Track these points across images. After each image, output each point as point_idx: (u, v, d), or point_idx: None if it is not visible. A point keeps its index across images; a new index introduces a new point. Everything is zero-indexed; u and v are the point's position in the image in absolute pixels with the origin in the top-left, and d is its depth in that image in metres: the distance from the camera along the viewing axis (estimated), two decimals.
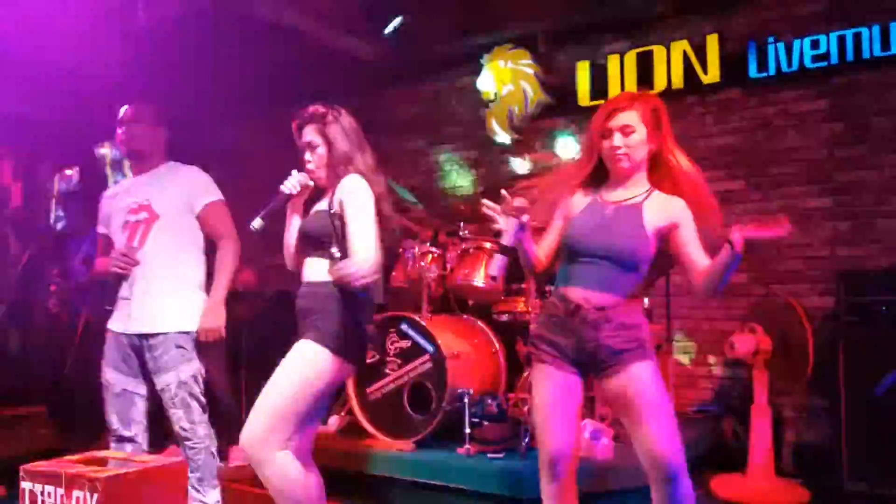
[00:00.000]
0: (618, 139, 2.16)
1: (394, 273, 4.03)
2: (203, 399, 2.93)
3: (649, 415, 2.09)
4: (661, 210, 2.17)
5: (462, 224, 4.12)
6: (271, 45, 5.14)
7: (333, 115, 2.47)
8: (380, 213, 2.39)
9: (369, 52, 5.63)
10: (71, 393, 4.69)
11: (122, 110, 3.05)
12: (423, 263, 3.89)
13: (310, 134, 2.47)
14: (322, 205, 2.48)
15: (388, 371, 3.67)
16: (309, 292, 2.41)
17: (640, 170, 2.22)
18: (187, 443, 2.89)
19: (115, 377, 2.90)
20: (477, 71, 5.38)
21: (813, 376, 3.82)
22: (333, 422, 3.87)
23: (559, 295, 2.23)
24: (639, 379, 2.12)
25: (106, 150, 6.53)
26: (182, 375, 2.85)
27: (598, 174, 2.27)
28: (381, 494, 3.51)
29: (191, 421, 2.87)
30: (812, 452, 4.08)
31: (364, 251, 2.28)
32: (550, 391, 2.20)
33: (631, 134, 2.15)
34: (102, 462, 2.28)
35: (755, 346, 3.79)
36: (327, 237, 2.37)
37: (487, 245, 3.87)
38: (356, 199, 2.34)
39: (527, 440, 3.31)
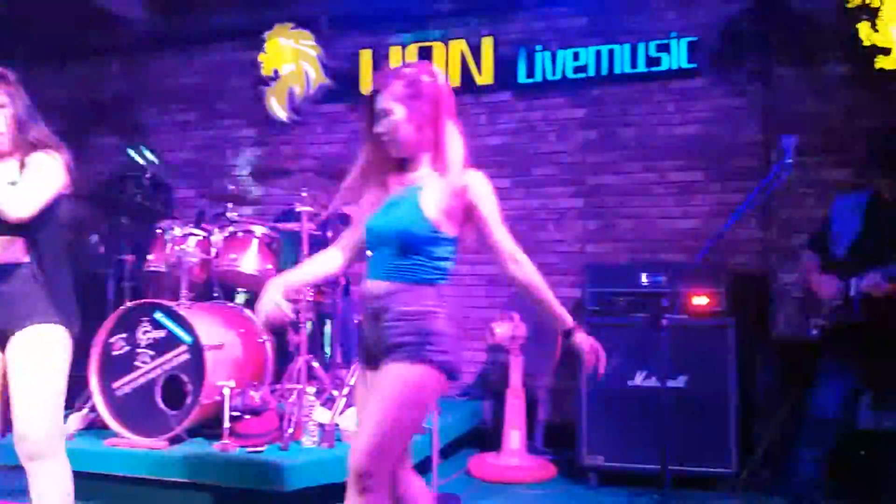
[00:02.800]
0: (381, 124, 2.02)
1: (151, 256, 3.73)
2: None
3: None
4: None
5: (231, 205, 3.91)
6: None
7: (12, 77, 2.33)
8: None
9: (139, 12, 5.16)
10: None
11: None
12: (183, 246, 3.63)
13: None
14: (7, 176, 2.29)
15: (138, 364, 3.40)
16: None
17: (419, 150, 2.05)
18: None
19: None
20: (257, 46, 5.19)
21: (561, 360, 4.19)
22: (74, 421, 3.50)
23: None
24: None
25: None
26: None
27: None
28: (130, 496, 3.27)
29: None
30: (560, 431, 4.46)
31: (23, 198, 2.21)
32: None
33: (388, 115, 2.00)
34: None
35: (512, 333, 4.06)
36: None
37: (257, 229, 3.72)
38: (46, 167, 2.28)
39: (290, 432, 3.25)
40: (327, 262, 2.19)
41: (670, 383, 3.56)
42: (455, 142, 2.02)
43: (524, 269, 2.00)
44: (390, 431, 1.90)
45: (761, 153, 4.16)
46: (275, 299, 2.04)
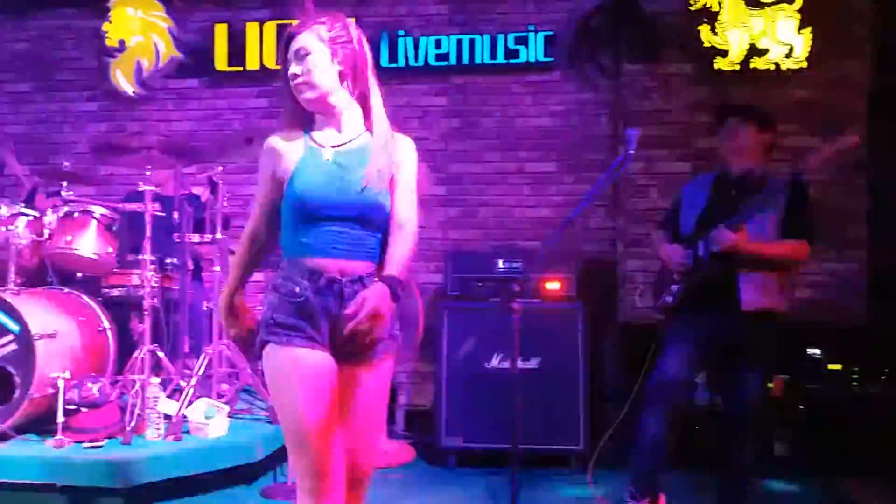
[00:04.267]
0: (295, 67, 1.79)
1: None
2: None
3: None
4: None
5: (66, 184, 3.62)
6: None
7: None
8: None
9: None
10: None
11: None
12: (12, 227, 3.33)
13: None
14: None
15: None
16: None
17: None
18: None
19: None
20: (101, 14, 4.87)
21: (423, 345, 4.21)
22: None
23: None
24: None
25: None
26: None
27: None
28: None
29: None
30: (421, 414, 4.50)
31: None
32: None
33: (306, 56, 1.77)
34: None
35: None
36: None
37: (96, 210, 3.46)
38: None
39: (132, 425, 3.06)
40: (256, 245, 1.91)
41: (523, 365, 3.67)
42: (380, 100, 1.87)
43: (403, 235, 1.83)
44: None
45: (610, 146, 4.37)
46: (229, 320, 1.92)
